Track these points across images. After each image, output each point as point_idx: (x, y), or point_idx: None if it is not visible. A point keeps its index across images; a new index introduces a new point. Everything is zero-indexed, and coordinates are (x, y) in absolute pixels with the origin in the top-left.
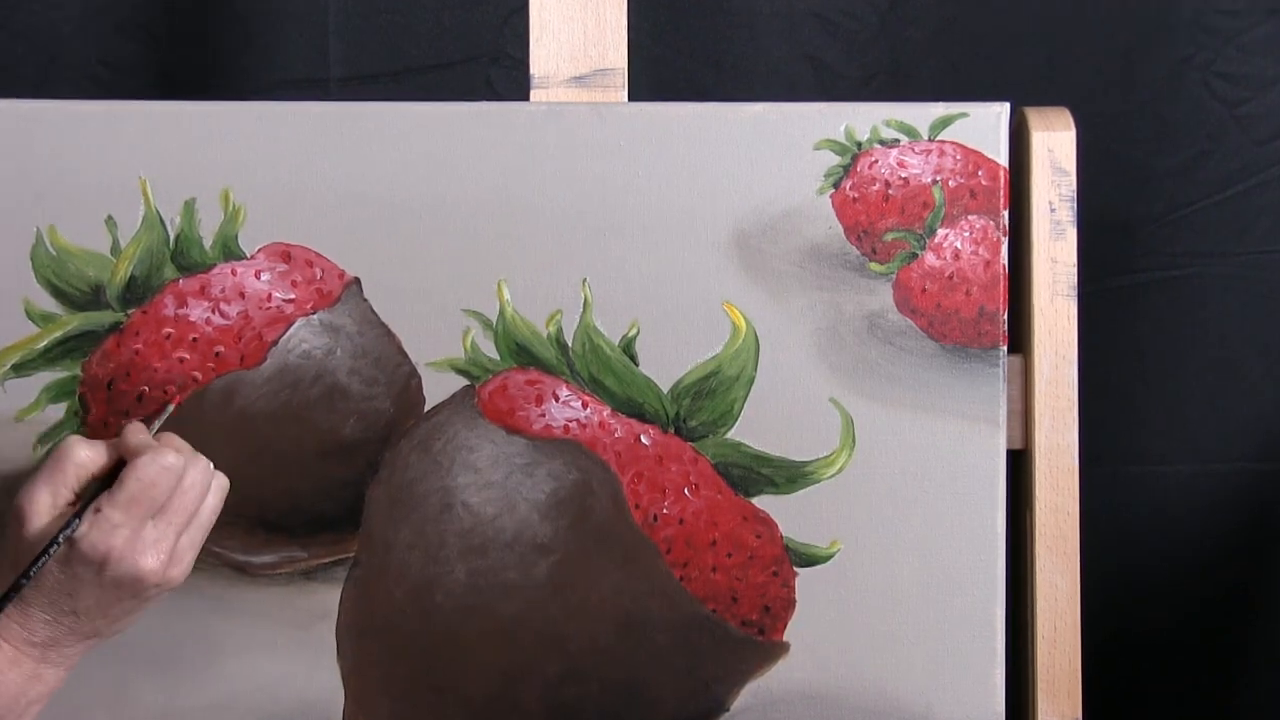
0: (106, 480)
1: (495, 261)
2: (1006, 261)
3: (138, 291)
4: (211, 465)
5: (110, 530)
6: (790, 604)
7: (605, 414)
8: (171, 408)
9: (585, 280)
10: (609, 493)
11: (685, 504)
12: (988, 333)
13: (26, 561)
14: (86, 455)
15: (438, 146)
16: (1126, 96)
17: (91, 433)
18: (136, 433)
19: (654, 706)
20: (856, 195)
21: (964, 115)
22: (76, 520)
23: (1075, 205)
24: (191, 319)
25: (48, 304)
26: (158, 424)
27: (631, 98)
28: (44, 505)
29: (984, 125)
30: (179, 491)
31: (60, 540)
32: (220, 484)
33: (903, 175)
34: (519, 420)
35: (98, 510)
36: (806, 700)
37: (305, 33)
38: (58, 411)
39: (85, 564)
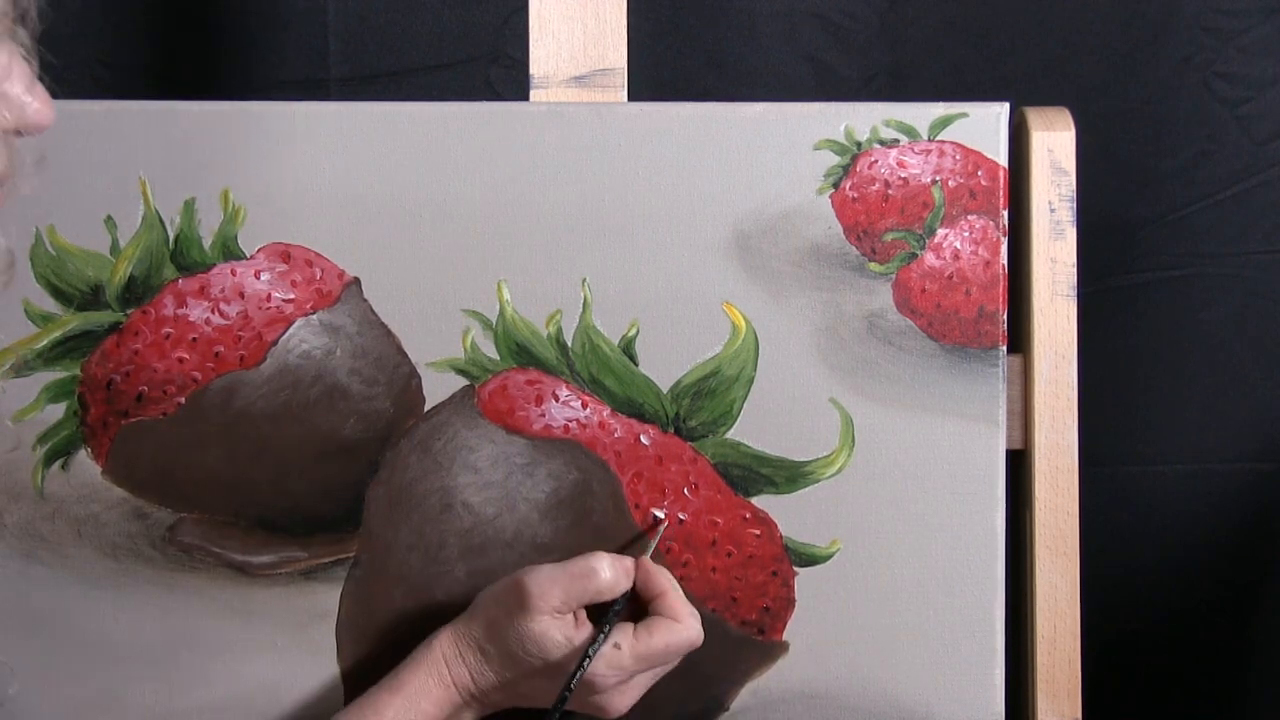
0: (619, 603)
1: (495, 261)
2: (1006, 261)
3: (137, 291)
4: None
5: (615, 670)
6: (790, 604)
7: (605, 414)
8: (664, 524)
9: (585, 280)
10: (609, 493)
11: (685, 504)
12: (987, 333)
13: (513, 646)
14: (612, 582)
15: (438, 146)
16: (1126, 96)
17: (90, 433)
18: (673, 591)
19: (653, 706)
20: (856, 195)
21: (964, 115)
22: (599, 645)
23: (1075, 205)
24: (191, 319)
25: (47, 304)
26: (653, 544)
27: (631, 98)
28: (552, 605)
29: (984, 125)
30: (677, 658)
31: (589, 659)
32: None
33: (902, 175)
34: (519, 420)
35: (617, 646)
36: (806, 700)
37: (305, 33)
38: (57, 411)
39: (565, 675)
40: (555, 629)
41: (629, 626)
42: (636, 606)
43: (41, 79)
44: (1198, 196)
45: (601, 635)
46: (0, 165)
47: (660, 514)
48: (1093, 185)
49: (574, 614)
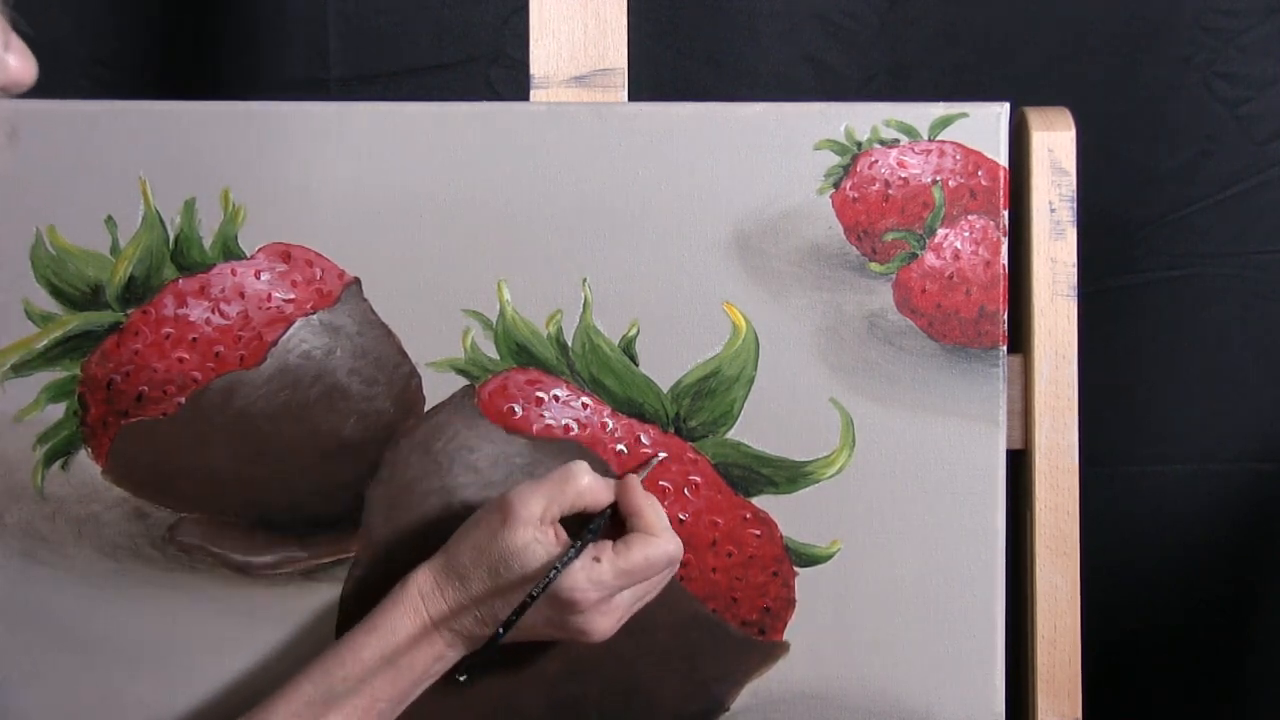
0: (598, 519)
1: (495, 261)
2: (1006, 261)
3: (137, 291)
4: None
5: (595, 584)
6: (790, 604)
7: (605, 414)
8: (662, 456)
9: (585, 280)
10: None
11: (685, 504)
12: (988, 333)
13: (496, 561)
14: (592, 489)
15: (437, 146)
16: (1126, 96)
17: (90, 433)
18: (649, 506)
19: (653, 706)
20: (856, 195)
21: (964, 115)
22: (573, 555)
23: (1075, 205)
24: (191, 319)
25: (48, 304)
26: (644, 474)
27: (631, 98)
28: (534, 513)
29: (984, 125)
30: (660, 576)
31: (557, 571)
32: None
33: (903, 175)
34: (519, 420)
35: (596, 559)
36: (806, 700)
37: (305, 33)
38: (57, 411)
39: (550, 598)
40: (537, 543)
41: (608, 543)
42: (620, 530)
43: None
44: (1198, 196)
45: (575, 546)
46: None
47: (662, 455)
48: (1093, 185)
49: (555, 531)
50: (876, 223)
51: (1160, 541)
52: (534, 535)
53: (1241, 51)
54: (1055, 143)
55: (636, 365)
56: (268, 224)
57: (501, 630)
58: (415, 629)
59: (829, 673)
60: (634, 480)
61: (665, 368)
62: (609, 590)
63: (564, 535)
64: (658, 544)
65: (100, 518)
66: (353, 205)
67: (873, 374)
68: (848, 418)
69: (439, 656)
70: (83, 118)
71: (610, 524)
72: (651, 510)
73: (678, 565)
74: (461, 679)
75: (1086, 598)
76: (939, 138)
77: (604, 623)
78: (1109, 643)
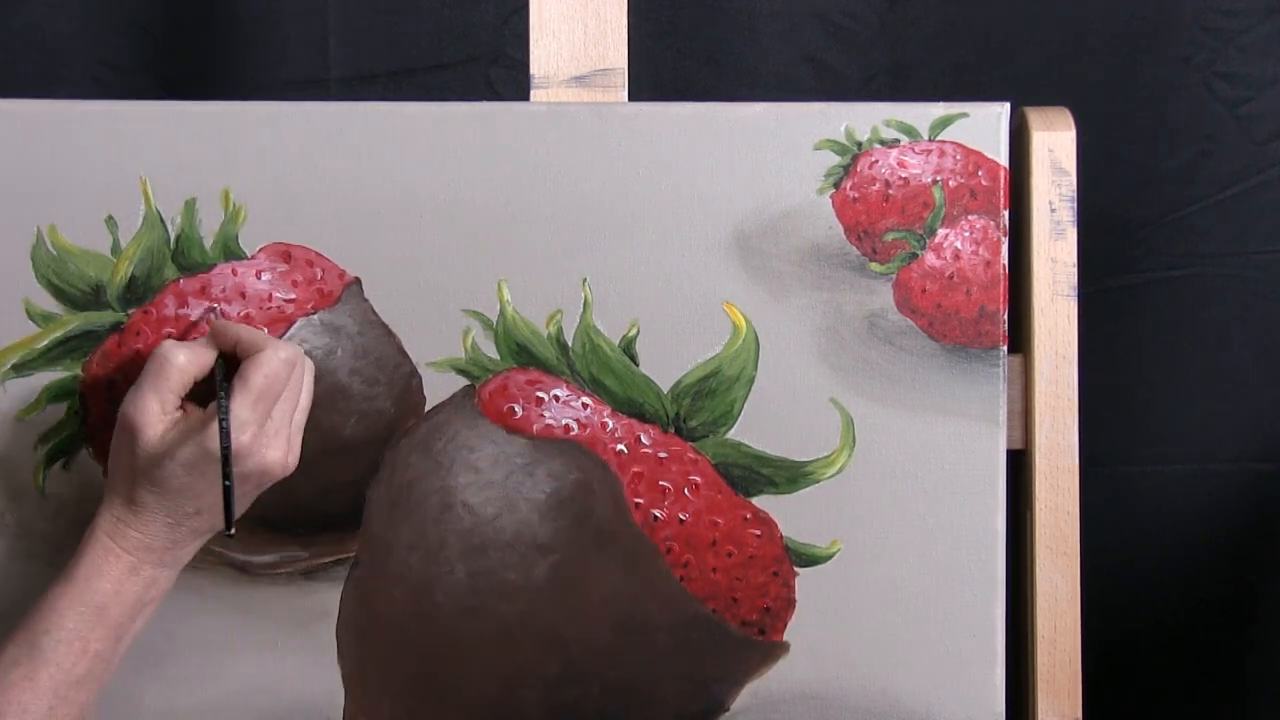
0: (219, 379)
1: (495, 261)
2: (1006, 261)
3: (138, 291)
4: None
5: (240, 427)
6: (790, 604)
7: (605, 414)
8: (217, 310)
9: (585, 280)
10: (609, 493)
11: (685, 504)
12: (988, 333)
13: (149, 471)
14: (186, 358)
15: (438, 146)
16: (1126, 96)
17: (91, 433)
18: (238, 329)
19: (654, 707)
20: (857, 195)
21: (964, 115)
22: (224, 421)
23: (1075, 205)
24: (192, 319)
25: (48, 304)
26: (218, 318)
27: (631, 98)
28: (154, 414)
29: (984, 125)
30: (290, 382)
31: (227, 442)
32: (311, 365)
33: (903, 175)
34: (519, 420)
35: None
36: (806, 700)
37: (305, 33)
38: (58, 411)
39: (214, 463)
40: (168, 434)
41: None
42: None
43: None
44: (1198, 196)
45: (222, 413)
46: None
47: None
48: (1093, 185)
49: (188, 412)
50: (877, 223)
51: (1160, 541)
52: (164, 431)
53: (1241, 51)
54: (1055, 143)
55: (636, 365)
56: (268, 224)
57: (226, 525)
58: (116, 568)
59: (829, 673)
60: (220, 323)
61: (665, 368)
62: (256, 423)
63: (197, 411)
64: (266, 356)
65: None
66: (353, 205)
67: (873, 374)
68: (848, 418)
69: (150, 581)
70: (83, 118)
71: (232, 369)
72: (247, 333)
73: (302, 359)
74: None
75: (1086, 598)
76: (939, 138)
77: (273, 454)
78: (1109, 643)
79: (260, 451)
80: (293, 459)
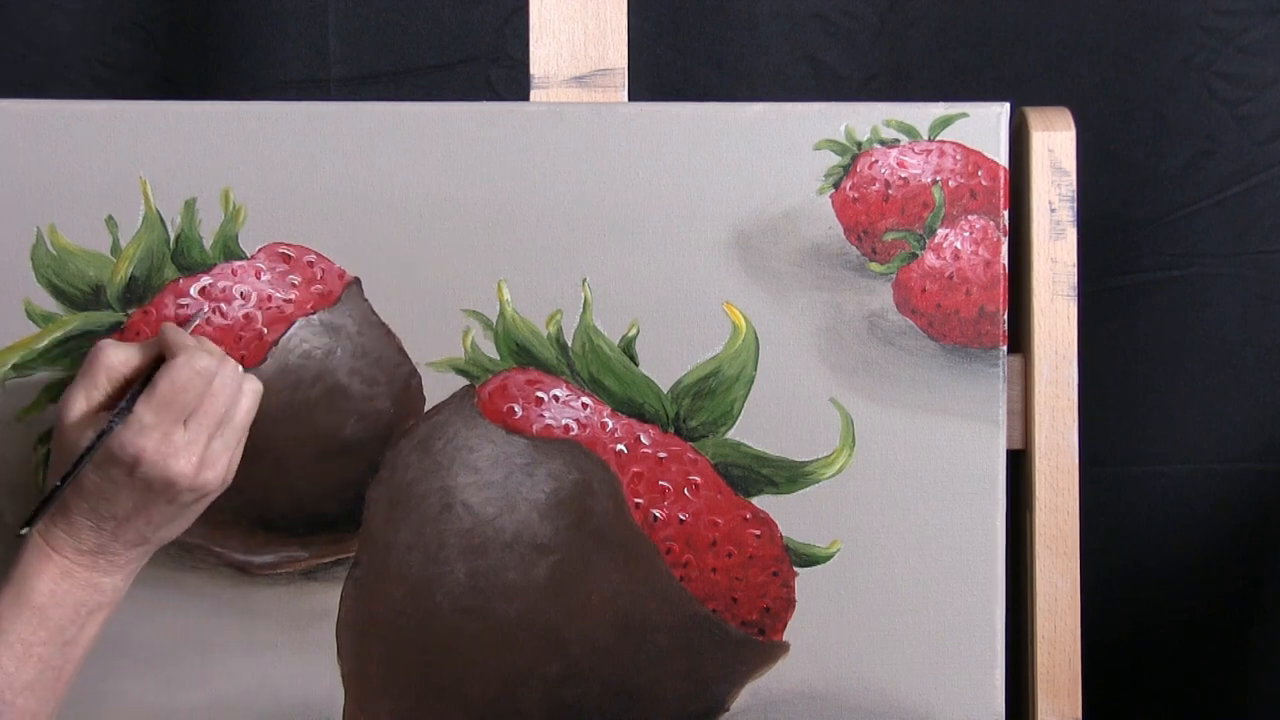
0: (143, 382)
1: (495, 261)
2: (1006, 261)
3: (138, 291)
4: (242, 368)
5: (140, 431)
6: (790, 604)
7: (605, 414)
8: (207, 311)
9: (585, 280)
10: (609, 493)
11: (685, 504)
12: (988, 333)
13: (64, 465)
14: (118, 358)
15: (437, 146)
16: (1126, 96)
17: None
18: (171, 333)
19: (654, 707)
20: (856, 195)
21: (964, 115)
22: (114, 422)
23: (1075, 205)
24: (189, 314)
25: (48, 304)
26: (191, 326)
27: (631, 98)
28: (78, 409)
29: (984, 125)
30: (209, 394)
31: (97, 442)
32: (253, 388)
33: (903, 175)
34: (519, 420)
35: (130, 412)
36: (806, 700)
37: (305, 33)
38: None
39: (117, 465)
40: (82, 435)
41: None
42: None
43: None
44: (1198, 196)
45: (118, 410)
46: None
47: (206, 310)
48: (1093, 185)
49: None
50: (876, 223)
51: (1160, 541)
52: (81, 432)
53: (1241, 51)
54: (1055, 143)
55: (636, 365)
56: (268, 224)
57: (60, 483)
58: (50, 569)
59: (829, 673)
60: (168, 328)
61: (665, 368)
62: (157, 428)
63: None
64: (177, 363)
65: None
66: (353, 205)
67: (873, 374)
68: (848, 418)
69: (89, 586)
70: (83, 118)
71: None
72: (175, 337)
73: (233, 376)
74: (22, 533)
75: (1086, 598)
76: (939, 138)
77: (180, 465)
78: (1109, 643)
79: (163, 460)
80: (210, 475)
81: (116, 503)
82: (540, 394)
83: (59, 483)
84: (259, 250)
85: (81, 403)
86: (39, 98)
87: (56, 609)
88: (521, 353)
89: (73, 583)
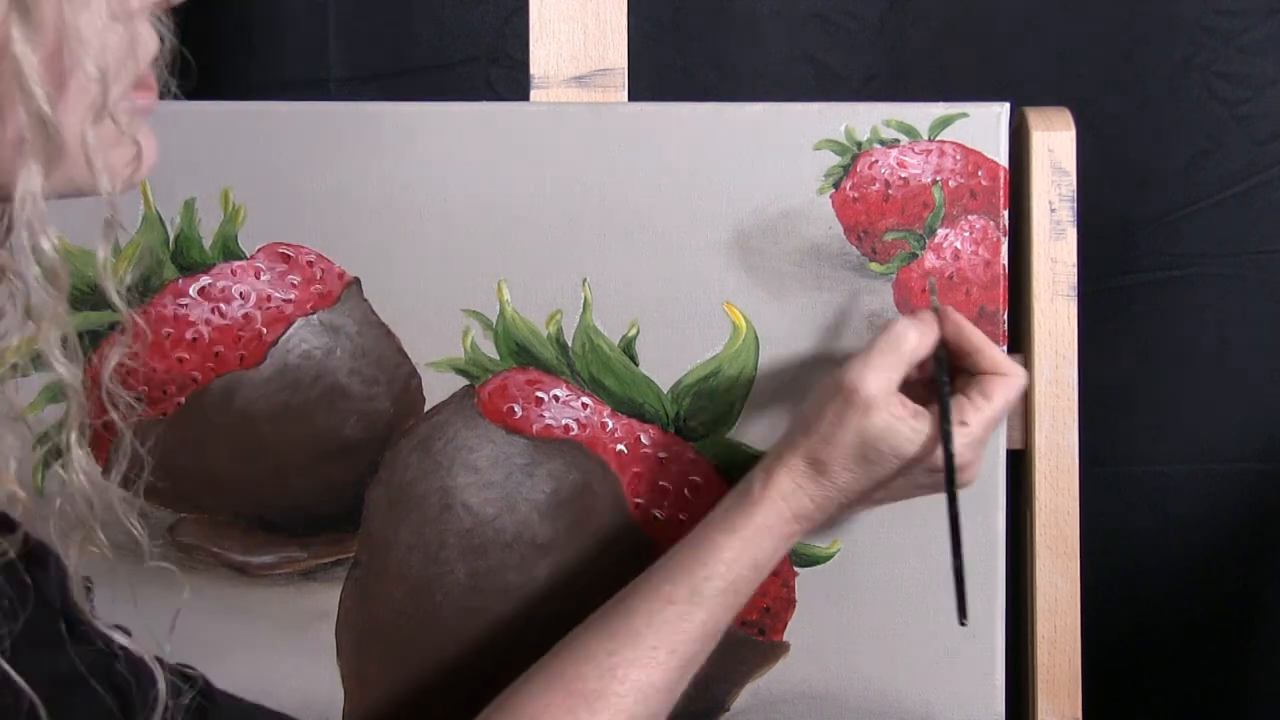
0: (941, 374)
1: (495, 261)
2: (1006, 261)
3: (138, 291)
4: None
5: (970, 446)
6: (790, 604)
7: (605, 414)
8: (931, 279)
9: (585, 280)
10: (609, 493)
11: (685, 504)
12: (988, 333)
13: (861, 447)
14: (917, 340)
15: (437, 146)
16: (1126, 96)
17: (91, 432)
18: (980, 336)
19: None
20: (856, 195)
21: (964, 115)
22: (950, 430)
23: (1075, 205)
24: (191, 319)
25: None
26: (935, 300)
27: (631, 98)
28: (884, 391)
29: (984, 125)
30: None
31: (951, 455)
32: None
33: (903, 175)
34: (519, 420)
35: (963, 423)
36: (806, 700)
37: (305, 33)
38: (58, 411)
39: (926, 466)
40: (897, 420)
41: (964, 400)
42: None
43: None
44: (1198, 196)
45: (946, 420)
46: (152, 47)
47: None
48: (1093, 185)
49: (900, 400)
50: (876, 223)
51: (1160, 541)
52: (892, 413)
53: (1241, 51)
54: (1055, 143)
55: (636, 365)
56: (268, 224)
57: (955, 555)
58: (781, 532)
59: (829, 673)
60: (954, 314)
61: (665, 368)
62: (982, 443)
63: (908, 402)
64: (1010, 383)
65: (100, 517)
66: (353, 205)
67: None
68: None
69: (790, 546)
70: None
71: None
72: (988, 344)
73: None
74: (964, 624)
75: (1086, 598)
76: (939, 138)
77: (973, 473)
78: (1109, 643)
79: (971, 471)
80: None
81: (886, 489)
82: (540, 394)
83: (951, 496)
84: (258, 250)
85: (885, 383)
86: None
87: (770, 567)
88: (521, 353)
89: (785, 548)
